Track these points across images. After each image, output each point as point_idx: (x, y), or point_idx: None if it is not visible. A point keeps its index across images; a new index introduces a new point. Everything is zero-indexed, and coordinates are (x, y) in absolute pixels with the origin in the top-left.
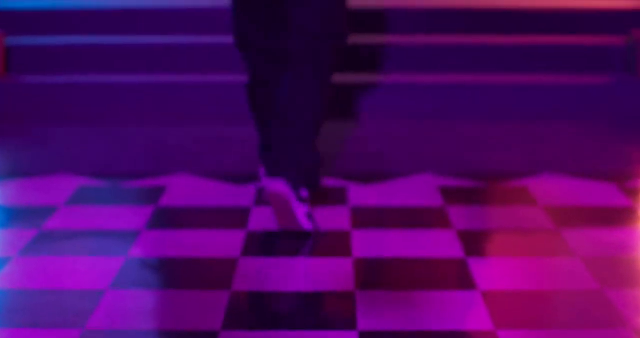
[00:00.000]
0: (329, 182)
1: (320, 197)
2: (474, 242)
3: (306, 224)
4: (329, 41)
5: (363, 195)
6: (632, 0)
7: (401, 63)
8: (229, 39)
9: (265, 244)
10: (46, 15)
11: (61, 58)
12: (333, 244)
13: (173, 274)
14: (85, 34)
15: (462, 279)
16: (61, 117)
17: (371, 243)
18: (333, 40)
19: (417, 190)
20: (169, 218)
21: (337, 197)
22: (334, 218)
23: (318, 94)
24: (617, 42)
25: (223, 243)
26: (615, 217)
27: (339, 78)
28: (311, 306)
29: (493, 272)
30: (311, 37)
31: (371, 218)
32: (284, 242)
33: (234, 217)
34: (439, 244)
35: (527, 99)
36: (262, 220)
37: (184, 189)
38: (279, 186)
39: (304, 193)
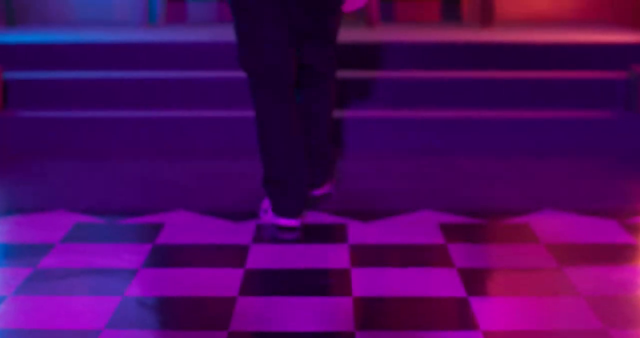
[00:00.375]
0: (328, 219)
1: (319, 234)
2: (476, 281)
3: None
4: (333, 62)
5: (363, 232)
6: (632, 35)
7: (400, 98)
8: (227, 74)
9: (264, 283)
10: (44, 49)
11: (59, 93)
12: (333, 283)
13: (171, 314)
14: (83, 68)
15: (463, 319)
16: (58, 152)
17: (371, 282)
18: (335, 62)
19: (417, 227)
20: (166, 256)
21: (336, 235)
22: (333, 257)
23: (333, 99)
24: (618, 77)
25: (221, 281)
26: (617, 254)
27: (338, 114)
28: None
29: (495, 312)
30: (324, 57)
31: (371, 256)
32: (283, 280)
33: (233, 255)
34: (440, 283)
35: (528, 134)
36: (261, 258)
37: (182, 226)
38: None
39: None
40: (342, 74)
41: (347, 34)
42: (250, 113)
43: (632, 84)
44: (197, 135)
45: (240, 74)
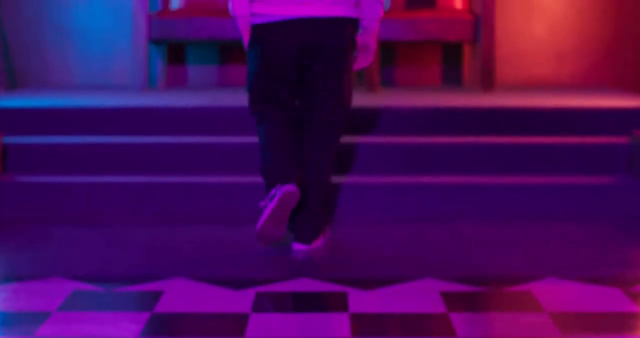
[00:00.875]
0: (328, 287)
1: (319, 303)
2: None
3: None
4: (344, 110)
5: (363, 301)
6: (633, 100)
7: (401, 163)
8: (228, 139)
9: None
10: (44, 114)
11: (58, 157)
12: None
13: None
14: (83, 133)
15: None
16: (57, 218)
17: None
18: (347, 109)
19: (419, 295)
20: (165, 325)
21: (336, 304)
22: (333, 326)
23: (334, 149)
24: (620, 142)
25: None
26: (622, 323)
27: (338, 179)
28: None
29: None
30: (334, 106)
31: (372, 325)
32: None
33: (233, 324)
34: None
35: (529, 199)
36: (261, 327)
37: (182, 294)
38: (292, 188)
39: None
40: (342, 138)
41: None
42: (250, 178)
43: (634, 149)
44: (197, 201)
45: (241, 139)
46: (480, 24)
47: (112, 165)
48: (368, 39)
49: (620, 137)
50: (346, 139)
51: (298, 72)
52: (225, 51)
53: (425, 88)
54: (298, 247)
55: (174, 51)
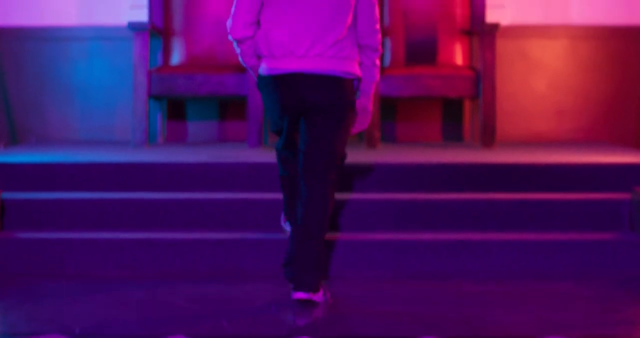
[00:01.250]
0: None
1: None
2: None
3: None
4: (335, 160)
5: None
6: (634, 156)
7: (401, 220)
8: (227, 196)
9: None
10: (44, 169)
11: (57, 213)
12: None
13: None
14: (83, 189)
15: None
16: (55, 274)
17: None
18: (338, 159)
19: None
20: None
21: None
22: None
23: (326, 210)
24: (622, 199)
25: None
26: None
27: (337, 236)
28: None
29: None
30: (322, 160)
31: None
32: None
33: None
34: None
35: (531, 256)
36: None
37: None
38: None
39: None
40: (342, 195)
41: (348, 155)
42: (250, 235)
43: (636, 205)
44: (196, 257)
45: (241, 195)
46: (481, 80)
47: (111, 222)
48: (365, 101)
49: (622, 194)
50: (345, 195)
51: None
52: (225, 107)
53: (426, 144)
54: (298, 295)
55: (173, 106)
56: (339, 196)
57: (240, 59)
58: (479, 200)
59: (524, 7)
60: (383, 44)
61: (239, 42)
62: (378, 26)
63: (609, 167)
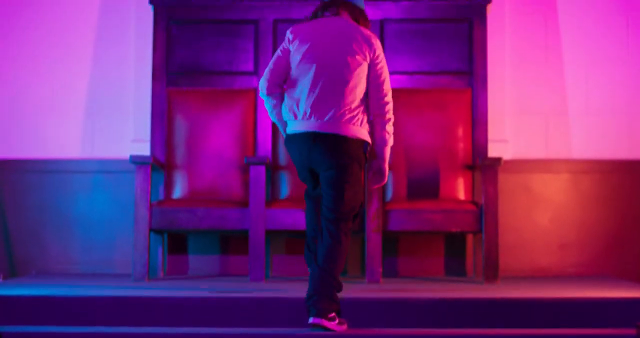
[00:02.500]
0: None
1: None
2: None
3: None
4: (343, 217)
5: None
6: (637, 291)
7: None
8: (226, 330)
9: None
10: (43, 302)
11: None
12: None
13: None
14: (82, 323)
15: None
16: None
17: None
18: (350, 213)
19: None
20: None
21: None
22: None
23: (337, 249)
24: (627, 334)
25: None
26: None
27: None
28: None
29: None
30: (332, 211)
31: None
32: None
33: None
34: None
35: None
36: None
37: None
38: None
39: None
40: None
41: (348, 291)
42: None
43: None
44: None
45: (242, 330)
46: (484, 214)
47: None
48: (380, 163)
49: (627, 329)
50: (348, 331)
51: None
52: (227, 240)
53: (429, 279)
54: (311, 321)
55: (175, 239)
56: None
57: (269, 115)
58: (483, 335)
59: (526, 141)
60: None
61: (267, 99)
62: (387, 98)
63: (613, 302)
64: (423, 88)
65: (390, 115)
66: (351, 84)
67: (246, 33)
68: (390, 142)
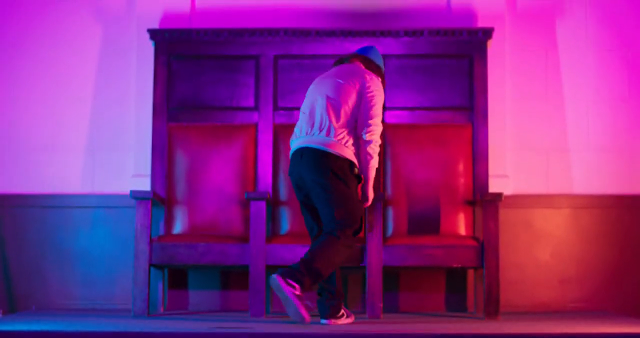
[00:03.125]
0: None
1: None
2: None
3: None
4: (339, 226)
5: None
6: (638, 326)
7: None
8: None
9: None
10: None
11: None
12: None
13: None
14: None
15: None
16: None
17: None
18: (345, 226)
19: None
20: None
21: None
22: None
23: (329, 243)
24: None
25: None
26: None
27: None
28: None
29: None
30: (329, 223)
31: None
32: None
33: None
34: None
35: None
36: None
37: None
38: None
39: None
40: None
41: (349, 326)
42: None
43: None
44: None
45: None
46: (485, 250)
47: None
48: (364, 188)
49: None
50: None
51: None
52: (227, 276)
53: (429, 314)
54: (323, 321)
55: (175, 275)
56: None
57: None
58: None
59: (527, 176)
60: (385, 215)
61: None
62: (372, 121)
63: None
64: (424, 123)
65: (372, 137)
66: (338, 106)
67: (247, 68)
68: (373, 163)
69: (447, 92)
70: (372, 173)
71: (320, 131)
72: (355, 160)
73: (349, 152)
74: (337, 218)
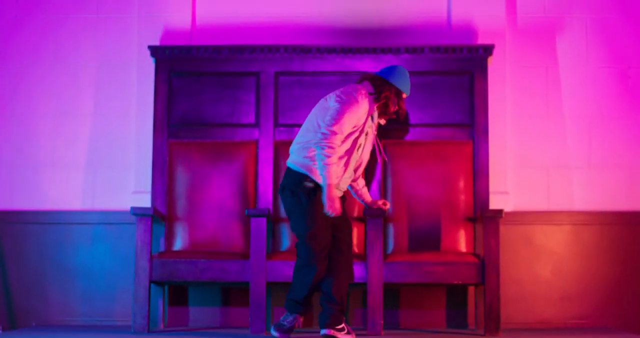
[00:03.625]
0: None
1: None
2: None
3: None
4: (300, 240)
5: None
6: None
7: None
8: None
9: None
10: None
11: None
12: None
13: None
14: None
15: None
16: None
17: None
18: (301, 240)
19: None
20: None
21: None
22: None
23: (296, 268)
24: None
25: None
26: None
27: None
28: None
29: None
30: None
31: None
32: None
33: None
34: None
35: None
36: None
37: None
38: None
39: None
40: None
41: None
42: None
43: None
44: None
45: None
46: (485, 266)
47: None
48: (323, 197)
49: None
50: None
51: None
52: (228, 292)
53: (430, 331)
54: (322, 332)
55: (175, 291)
56: None
57: None
58: None
59: (527, 193)
60: (386, 231)
61: None
62: (327, 128)
63: None
64: (424, 140)
65: (323, 143)
66: (311, 122)
67: (247, 85)
68: (325, 173)
69: (447, 109)
70: (328, 180)
71: (297, 149)
72: (309, 172)
73: (306, 165)
74: (300, 236)
